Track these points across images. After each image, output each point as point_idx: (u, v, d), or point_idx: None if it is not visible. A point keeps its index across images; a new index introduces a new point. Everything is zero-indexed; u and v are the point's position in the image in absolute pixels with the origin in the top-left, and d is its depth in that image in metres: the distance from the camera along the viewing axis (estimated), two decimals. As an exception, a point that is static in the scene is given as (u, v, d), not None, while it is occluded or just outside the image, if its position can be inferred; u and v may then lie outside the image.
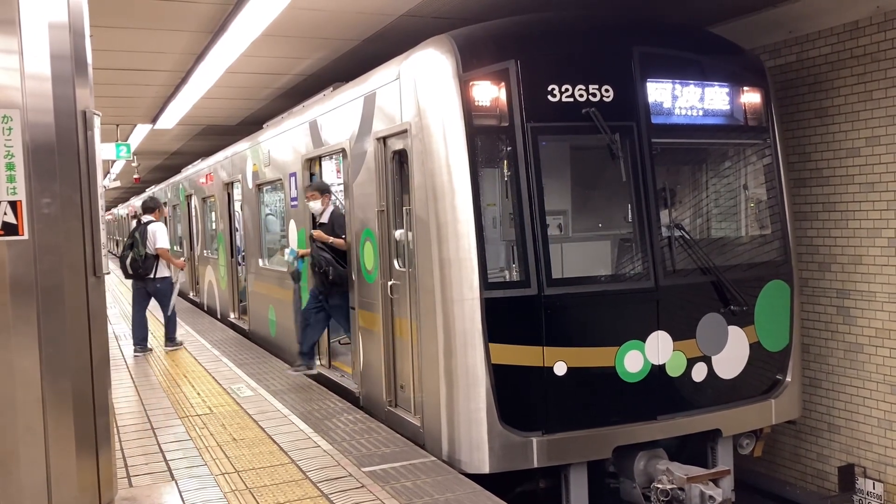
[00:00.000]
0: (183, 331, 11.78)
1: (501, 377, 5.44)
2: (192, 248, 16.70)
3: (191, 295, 16.97)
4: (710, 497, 5.48)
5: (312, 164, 8.29)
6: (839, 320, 7.20)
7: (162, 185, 22.02)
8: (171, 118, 13.11)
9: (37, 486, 4.07)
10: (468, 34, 5.80)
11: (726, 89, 6.34)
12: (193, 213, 16.31)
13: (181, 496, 4.80)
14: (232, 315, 12.71)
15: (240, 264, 12.27)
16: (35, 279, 4.04)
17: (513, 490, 5.64)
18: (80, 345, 4.19)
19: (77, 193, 4.16)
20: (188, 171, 17.27)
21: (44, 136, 4.04)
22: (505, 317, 5.50)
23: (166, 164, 23.34)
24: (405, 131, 5.95)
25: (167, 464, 5.46)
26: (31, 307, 4.03)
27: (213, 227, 14.14)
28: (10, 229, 3.99)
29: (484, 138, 5.61)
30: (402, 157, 6.27)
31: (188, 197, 16.72)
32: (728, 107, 6.39)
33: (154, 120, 13.58)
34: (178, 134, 16.04)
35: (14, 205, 3.98)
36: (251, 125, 13.94)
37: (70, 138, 4.13)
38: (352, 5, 7.00)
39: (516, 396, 5.49)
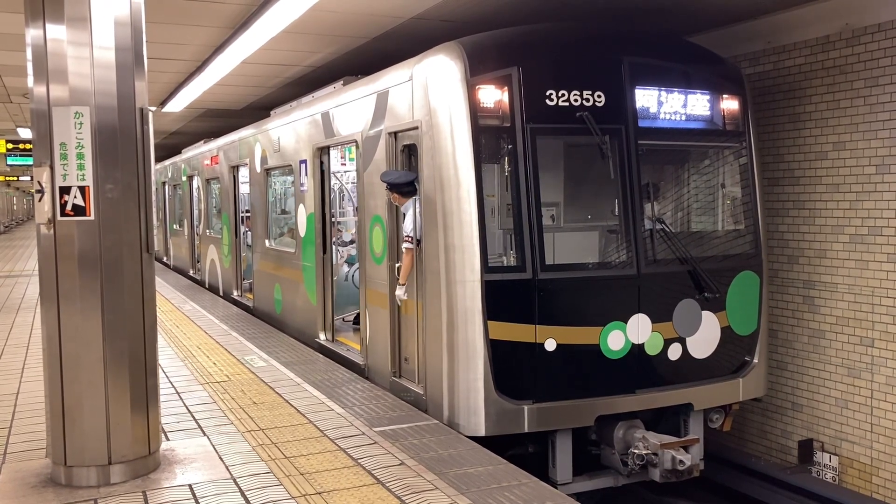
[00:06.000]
0: (189, 307, 12.37)
1: (498, 351, 6.05)
2: (192, 227, 17.18)
3: (191, 272, 17.47)
4: (680, 461, 6.11)
5: (323, 152, 8.87)
6: (805, 309, 7.85)
7: (159, 166, 22.37)
8: (179, 103, 13.57)
9: (98, 434, 4.67)
10: (476, 42, 6.36)
11: (707, 96, 6.90)
12: (195, 194, 16.79)
13: (215, 448, 5.42)
14: (235, 292, 13.27)
15: (248, 245, 12.80)
16: (99, 254, 4.62)
17: (505, 453, 6.24)
18: (135, 312, 4.78)
19: (134, 180, 4.73)
20: (190, 153, 17.70)
21: (108, 130, 4.60)
22: (502, 297, 6.08)
23: (165, 143, 23.70)
24: (416, 128, 6.53)
25: (197, 422, 6.05)
26: (95, 278, 4.62)
27: (218, 207, 14.62)
28: (79, 211, 4.57)
29: (487, 137, 6.17)
30: (411, 151, 6.86)
31: (190, 178, 17.17)
32: (708, 112, 6.93)
33: (163, 104, 14.04)
34: (181, 115, 16.45)
35: (83, 189, 4.56)
36: (256, 109, 14.42)
37: (130, 132, 4.69)
38: (367, 8, 7.54)
39: (510, 368, 6.11)
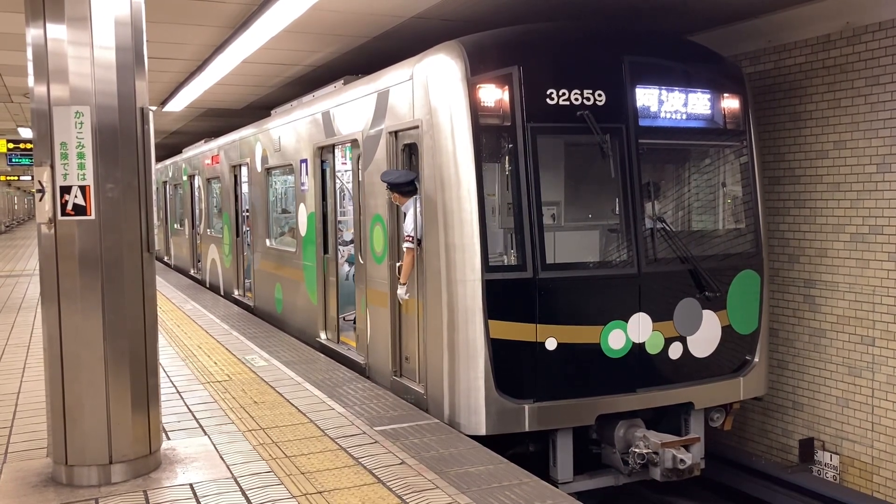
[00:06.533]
0: (190, 306, 12.37)
1: (498, 350, 6.04)
2: (193, 226, 17.19)
3: (191, 272, 17.48)
4: (681, 460, 6.11)
5: (324, 151, 8.87)
6: (805, 308, 7.84)
7: (160, 165, 22.38)
8: (180, 102, 13.57)
9: (99, 433, 4.67)
10: (476, 41, 6.36)
11: (708, 95, 6.89)
12: (196, 193, 16.80)
13: (215, 448, 5.42)
14: (236, 292, 13.27)
15: (248, 244, 12.79)
16: (100, 254, 4.62)
17: (505, 452, 6.24)
18: (135, 312, 4.78)
19: (135, 179, 4.73)
20: (191, 152, 17.71)
21: (109, 129, 4.60)
22: (503, 296, 6.08)
23: (165, 142, 23.71)
24: (416, 127, 6.53)
25: (198, 422, 6.05)
26: (96, 278, 4.62)
27: (218, 207, 14.63)
28: (80, 210, 4.57)
29: (488, 136, 6.17)
30: (412, 150, 6.87)
31: (191, 177, 17.18)
32: (709, 111, 6.92)
33: (163, 104, 14.04)
34: (182, 115, 16.45)
35: (83, 189, 4.56)
36: (256, 109, 14.42)
37: (130, 132, 4.69)
38: (368, 7, 7.54)
39: (511, 367, 6.10)
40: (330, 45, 9.21)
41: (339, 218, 10.80)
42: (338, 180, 10.47)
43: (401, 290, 6.84)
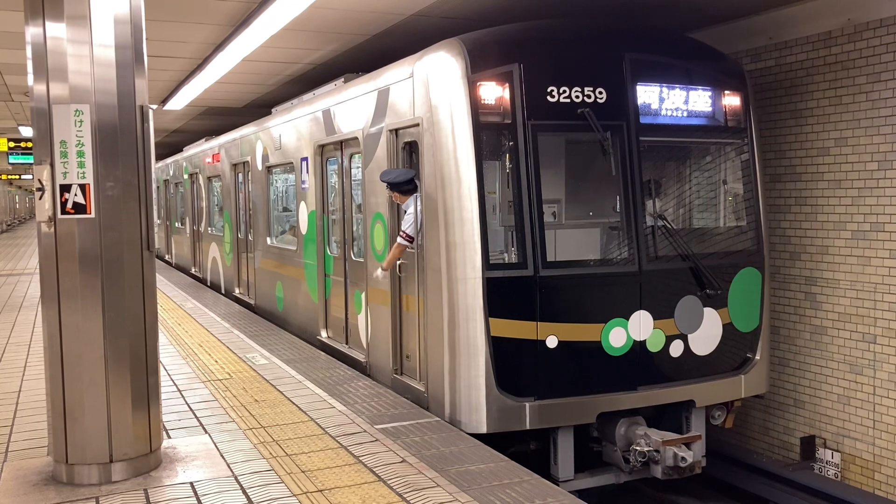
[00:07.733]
0: (191, 305, 12.37)
1: (499, 348, 6.04)
2: (194, 224, 17.18)
3: (192, 270, 17.47)
4: (682, 458, 6.11)
5: (324, 149, 8.86)
6: (807, 305, 7.83)
7: (161, 164, 22.38)
8: (181, 101, 13.56)
9: (99, 432, 4.67)
10: (476, 38, 6.35)
11: (709, 93, 6.89)
12: (197, 192, 16.79)
13: (216, 446, 5.42)
14: (237, 290, 13.27)
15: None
16: (100, 252, 4.61)
17: (506, 450, 6.23)
18: (136, 310, 4.77)
19: (135, 178, 4.71)
20: (191, 151, 17.71)
21: (108, 128, 4.59)
22: (504, 294, 6.08)
23: (166, 141, 23.69)
24: (417, 125, 6.53)
25: (198, 420, 6.06)
26: (96, 277, 4.61)
27: (219, 205, 14.62)
28: (80, 209, 4.56)
29: (488, 134, 6.17)
30: (412, 148, 6.86)
31: (192, 175, 17.18)
32: (710, 109, 6.92)
33: (164, 102, 14.03)
34: (183, 114, 16.43)
35: (83, 187, 4.55)
36: (257, 107, 14.41)
37: (130, 130, 4.68)
38: (368, 5, 7.53)
39: (512, 365, 6.10)
40: (330, 43, 9.20)
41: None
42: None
43: (378, 272, 7.05)
